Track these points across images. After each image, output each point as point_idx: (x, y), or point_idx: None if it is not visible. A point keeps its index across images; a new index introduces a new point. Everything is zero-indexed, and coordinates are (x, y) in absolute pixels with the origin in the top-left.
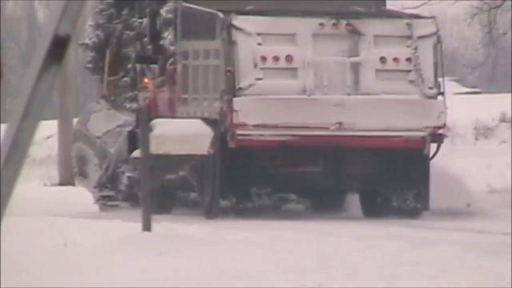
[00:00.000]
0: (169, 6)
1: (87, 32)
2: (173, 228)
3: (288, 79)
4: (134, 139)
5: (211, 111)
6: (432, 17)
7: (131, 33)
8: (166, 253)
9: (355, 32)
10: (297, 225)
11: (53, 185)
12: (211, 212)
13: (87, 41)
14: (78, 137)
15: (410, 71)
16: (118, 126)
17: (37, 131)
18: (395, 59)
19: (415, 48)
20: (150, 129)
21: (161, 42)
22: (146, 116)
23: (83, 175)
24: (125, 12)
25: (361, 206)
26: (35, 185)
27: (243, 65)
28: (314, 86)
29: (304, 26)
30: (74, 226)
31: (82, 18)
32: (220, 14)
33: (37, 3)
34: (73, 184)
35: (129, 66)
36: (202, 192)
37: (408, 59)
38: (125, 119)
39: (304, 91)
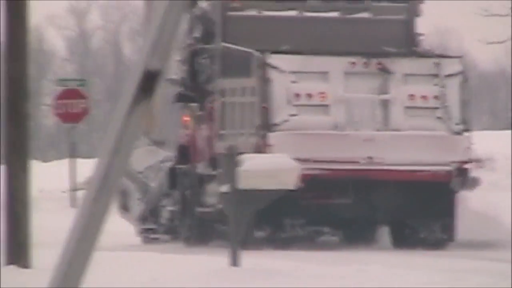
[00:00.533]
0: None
1: (174, 67)
2: (259, 263)
3: (321, 115)
4: (174, 175)
5: (247, 146)
6: (459, 57)
7: None
8: None
9: (385, 71)
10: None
11: None
12: (246, 242)
13: (173, 76)
14: None
15: (437, 108)
16: (159, 161)
17: (126, 167)
18: (423, 97)
19: (443, 86)
20: (237, 164)
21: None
22: (234, 151)
23: (125, 208)
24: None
25: (390, 236)
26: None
27: (277, 101)
28: (346, 122)
29: (336, 64)
30: (162, 261)
31: (170, 54)
32: (256, 53)
33: (124, 38)
34: None
35: None
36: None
37: (436, 97)
38: (165, 154)
39: (336, 127)
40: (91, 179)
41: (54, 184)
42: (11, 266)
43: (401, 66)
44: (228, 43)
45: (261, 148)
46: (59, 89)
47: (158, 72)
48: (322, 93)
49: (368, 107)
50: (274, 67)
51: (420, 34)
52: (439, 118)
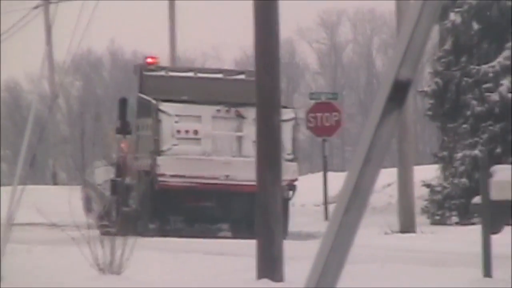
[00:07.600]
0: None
1: (426, 79)
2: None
3: (194, 145)
4: (114, 185)
5: (147, 166)
6: (293, 108)
7: (470, 80)
8: None
9: (240, 116)
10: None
11: (393, 232)
12: (145, 232)
13: (425, 88)
14: (86, 184)
15: None
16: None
17: (377, 178)
18: None
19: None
20: (490, 175)
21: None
22: (486, 163)
23: (89, 210)
24: (463, 59)
25: (246, 231)
26: (375, 232)
27: (164, 135)
28: (211, 150)
29: (207, 110)
30: (415, 273)
31: (420, 64)
32: (153, 101)
33: (375, 51)
34: (414, 232)
35: (468, 113)
36: (144, 218)
37: None
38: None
39: (204, 153)
40: (343, 189)
41: (308, 197)
42: (265, 280)
43: (252, 113)
44: (144, 94)
45: (153, 167)
46: (312, 102)
47: (409, 82)
48: (196, 130)
49: (228, 141)
50: (163, 112)
51: None
52: None
